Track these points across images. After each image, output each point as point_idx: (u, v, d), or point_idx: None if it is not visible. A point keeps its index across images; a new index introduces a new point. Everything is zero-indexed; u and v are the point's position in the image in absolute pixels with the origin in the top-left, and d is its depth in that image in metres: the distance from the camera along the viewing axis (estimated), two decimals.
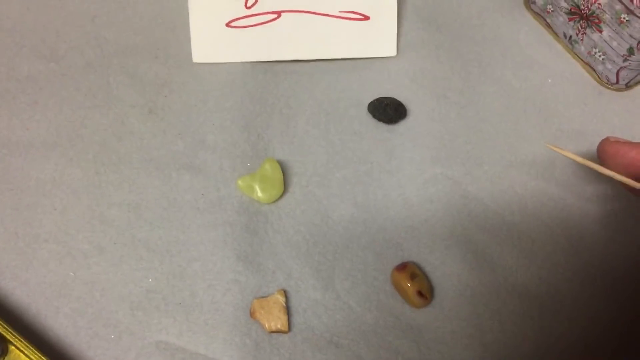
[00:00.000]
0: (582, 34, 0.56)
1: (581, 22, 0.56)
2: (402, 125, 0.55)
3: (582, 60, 0.58)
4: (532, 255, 0.50)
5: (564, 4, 0.56)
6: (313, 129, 0.55)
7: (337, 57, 0.58)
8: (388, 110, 0.54)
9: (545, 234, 0.50)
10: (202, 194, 0.51)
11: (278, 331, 0.46)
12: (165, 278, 0.48)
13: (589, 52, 0.57)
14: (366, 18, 0.57)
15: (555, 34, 0.59)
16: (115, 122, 0.54)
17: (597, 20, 0.54)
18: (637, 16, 0.50)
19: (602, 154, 0.45)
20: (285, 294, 0.48)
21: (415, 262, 0.49)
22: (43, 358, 0.43)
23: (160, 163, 0.52)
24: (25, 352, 0.43)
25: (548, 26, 0.60)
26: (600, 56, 0.56)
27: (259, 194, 0.50)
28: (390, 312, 0.48)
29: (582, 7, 0.55)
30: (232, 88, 0.56)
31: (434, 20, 0.60)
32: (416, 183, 0.53)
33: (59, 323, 0.46)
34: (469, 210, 0.52)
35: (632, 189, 0.42)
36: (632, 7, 0.50)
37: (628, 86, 0.57)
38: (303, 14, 0.57)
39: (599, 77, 0.57)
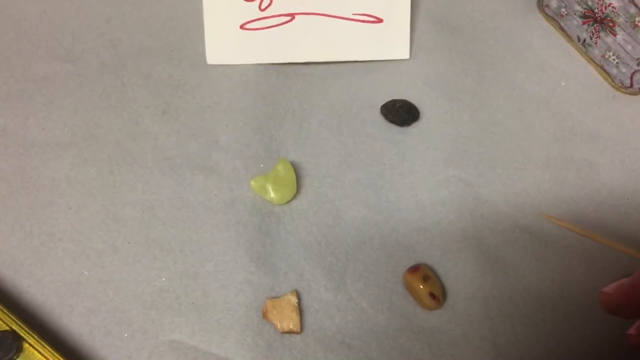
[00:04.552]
0: (596, 37, 0.56)
1: (595, 25, 0.56)
2: (414, 128, 0.55)
3: (595, 63, 0.58)
4: (545, 258, 0.50)
5: (577, 7, 0.56)
6: (326, 130, 0.55)
7: (350, 60, 0.58)
8: (401, 113, 0.55)
9: (558, 237, 0.50)
10: (216, 194, 0.51)
11: (290, 332, 0.46)
12: (178, 278, 0.48)
13: (603, 56, 0.56)
14: (379, 21, 0.57)
15: (568, 37, 0.59)
16: (129, 122, 0.55)
17: (611, 24, 0.54)
18: None
19: None
20: (298, 294, 0.48)
21: (428, 264, 0.49)
22: (57, 356, 0.43)
23: (174, 163, 0.53)
24: (40, 349, 0.43)
25: (561, 29, 0.60)
26: (614, 59, 0.56)
27: (272, 194, 0.50)
28: (402, 313, 0.48)
29: (596, 10, 0.55)
30: (245, 89, 0.56)
31: (447, 23, 0.60)
32: (428, 185, 0.53)
33: (73, 321, 0.47)
34: (481, 212, 0.51)
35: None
36: None
37: None
38: (316, 16, 0.57)
39: (612, 80, 0.57)
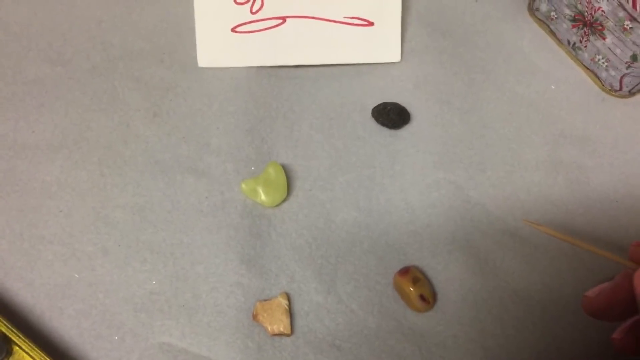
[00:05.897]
0: (585, 41, 0.56)
1: (585, 29, 0.56)
2: (405, 130, 0.55)
3: (585, 66, 0.58)
4: (535, 261, 0.50)
5: (567, 11, 0.57)
6: (317, 133, 0.55)
7: (341, 63, 0.58)
8: (391, 115, 0.55)
9: (548, 239, 0.51)
10: (206, 197, 0.52)
11: (280, 334, 0.46)
12: (168, 280, 0.48)
13: (593, 59, 0.57)
14: (370, 24, 0.57)
15: (558, 40, 0.60)
16: (120, 125, 0.55)
17: (600, 27, 0.54)
18: None
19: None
20: (288, 297, 0.48)
21: (418, 266, 0.49)
22: (47, 358, 0.43)
23: (165, 166, 0.53)
24: (30, 353, 0.43)
25: (551, 33, 0.60)
26: (603, 63, 0.56)
27: (263, 197, 0.50)
28: (392, 316, 0.48)
29: (586, 14, 0.55)
30: (236, 92, 0.56)
31: (438, 26, 0.61)
32: (419, 188, 0.53)
33: (63, 324, 0.47)
34: (471, 215, 0.52)
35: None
36: (635, 15, 0.50)
37: (631, 93, 0.57)
38: (308, 19, 0.57)
39: (602, 83, 0.57)
